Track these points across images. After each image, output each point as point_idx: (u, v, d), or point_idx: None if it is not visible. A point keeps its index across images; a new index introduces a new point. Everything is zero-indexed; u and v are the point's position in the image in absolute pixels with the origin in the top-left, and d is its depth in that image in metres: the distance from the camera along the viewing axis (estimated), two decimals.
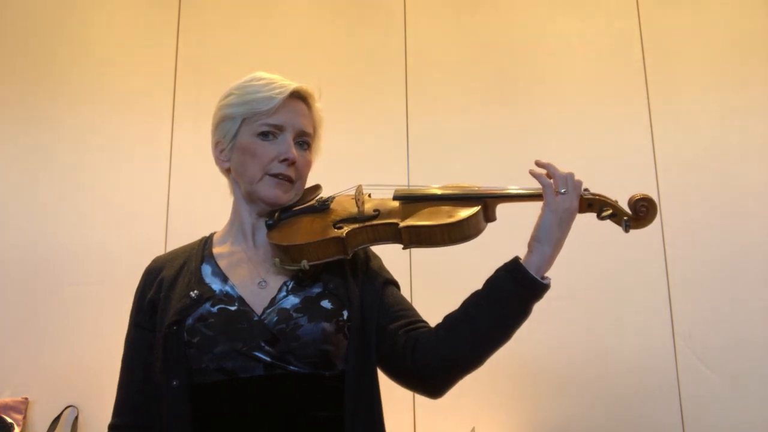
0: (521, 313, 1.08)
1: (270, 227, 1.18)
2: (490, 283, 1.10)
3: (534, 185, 1.13)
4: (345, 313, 1.13)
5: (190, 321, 1.10)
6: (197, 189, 2.44)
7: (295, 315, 1.10)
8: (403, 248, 1.15)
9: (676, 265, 2.34)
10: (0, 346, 2.30)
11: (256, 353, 1.07)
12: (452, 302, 1.14)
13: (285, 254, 1.14)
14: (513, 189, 1.16)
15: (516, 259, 1.09)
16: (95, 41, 2.60)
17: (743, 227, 2.36)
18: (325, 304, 1.13)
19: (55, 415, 2.24)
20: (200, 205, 2.41)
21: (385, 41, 2.62)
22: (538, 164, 1.13)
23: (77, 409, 2.25)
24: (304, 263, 1.12)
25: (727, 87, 2.48)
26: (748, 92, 2.47)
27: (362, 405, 1.11)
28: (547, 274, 1.09)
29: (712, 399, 2.24)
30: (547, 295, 1.08)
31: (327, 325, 1.10)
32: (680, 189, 2.40)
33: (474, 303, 1.11)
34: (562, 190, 1.08)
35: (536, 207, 1.13)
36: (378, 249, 1.24)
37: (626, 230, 1.11)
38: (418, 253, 2.26)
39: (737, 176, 2.40)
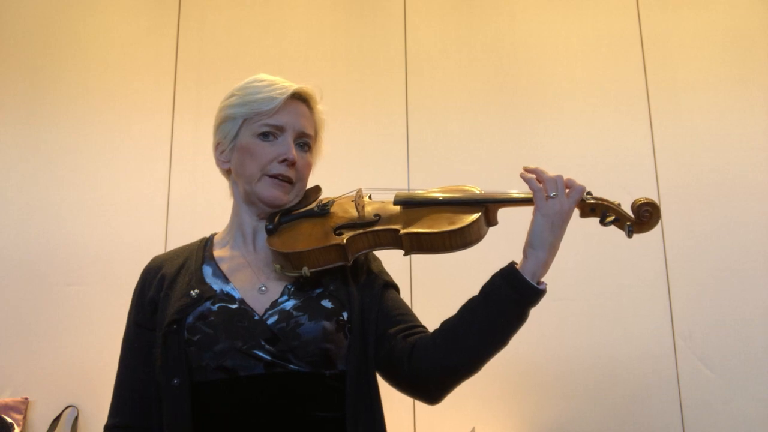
0: (517, 319, 1.06)
1: (270, 232, 1.18)
2: (486, 288, 1.09)
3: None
4: (345, 314, 1.13)
5: (190, 319, 1.10)
6: (197, 189, 2.44)
7: (295, 314, 1.10)
8: (404, 254, 1.13)
9: (676, 265, 2.35)
10: (0, 346, 2.30)
11: (257, 352, 1.07)
12: (452, 306, 1.14)
13: (286, 261, 1.14)
14: (513, 193, 1.14)
15: (512, 264, 1.08)
16: (95, 41, 2.60)
17: (743, 227, 2.36)
18: (326, 303, 1.13)
19: (55, 415, 2.24)
20: (200, 205, 2.41)
21: (385, 41, 2.62)
22: (527, 170, 1.11)
23: (77, 409, 2.25)
24: (305, 270, 1.12)
25: (727, 87, 2.48)
26: (748, 92, 2.48)
27: (363, 405, 1.11)
28: (546, 276, 1.08)
29: (712, 399, 2.24)
30: (547, 296, 1.07)
31: (327, 324, 1.10)
32: (680, 189, 2.40)
33: (470, 309, 1.10)
34: (552, 194, 1.07)
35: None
36: (378, 252, 1.23)
37: (629, 235, 1.09)
38: (418, 256, 2.26)
39: (737, 176, 2.40)
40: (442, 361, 1.09)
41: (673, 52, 2.54)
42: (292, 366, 1.07)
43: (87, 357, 2.28)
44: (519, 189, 1.16)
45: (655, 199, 1.11)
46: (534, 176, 1.09)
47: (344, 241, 1.12)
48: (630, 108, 2.50)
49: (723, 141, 2.44)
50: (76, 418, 2.24)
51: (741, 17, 2.55)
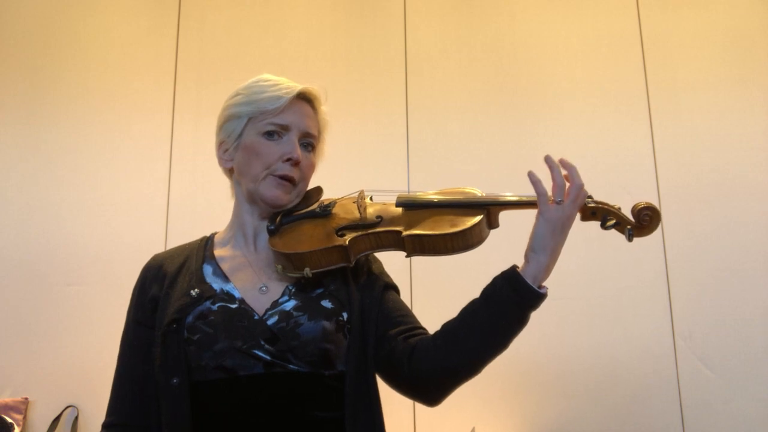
0: (518, 322, 1.06)
1: (272, 233, 1.18)
2: (488, 291, 1.09)
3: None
4: (345, 314, 1.13)
5: (190, 318, 1.10)
6: (197, 189, 2.44)
7: (295, 314, 1.10)
8: (406, 256, 1.14)
9: (676, 265, 2.35)
10: (0, 346, 2.30)
11: (256, 351, 1.07)
12: (453, 307, 1.14)
13: (288, 262, 1.14)
14: (515, 196, 1.14)
15: (513, 268, 1.08)
16: (95, 41, 2.60)
17: (743, 227, 2.36)
18: (326, 303, 1.13)
19: (55, 415, 2.24)
20: (200, 205, 2.41)
21: (385, 41, 2.62)
22: (547, 161, 1.08)
23: (77, 409, 2.25)
24: (307, 271, 1.12)
25: (727, 87, 2.49)
26: (748, 92, 2.48)
27: (362, 405, 1.11)
28: (544, 284, 1.07)
29: (712, 399, 2.24)
30: (548, 295, 1.07)
31: (327, 324, 1.10)
32: (680, 189, 2.40)
33: (471, 311, 1.10)
34: (558, 200, 1.06)
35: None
36: (379, 254, 1.23)
37: (629, 239, 1.09)
38: (419, 258, 2.26)
39: (737, 176, 2.40)
40: (443, 362, 1.09)
41: (673, 52, 2.54)
42: (291, 366, 1.07)
43: (87, 357, 2.28)
44: (519, 190, 1.16)
45: (655, 200, 1.11)
46: (541, 180, 1.08)
47: (346, 243, 1.12)
48: (630, 108, 2.50)
49: (723, 141, 2.44)
50: (76, 418, 2.24)
51: (741, 17, 2.55)
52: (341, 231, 1.15)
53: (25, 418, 2.22)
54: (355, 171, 2.39)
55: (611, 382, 2.27)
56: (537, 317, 1.10)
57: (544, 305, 1.08)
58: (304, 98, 1.21)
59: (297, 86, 1.19)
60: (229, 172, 1.25)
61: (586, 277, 2.33)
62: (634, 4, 2.59)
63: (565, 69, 2.56)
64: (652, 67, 2.53)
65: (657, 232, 2.38)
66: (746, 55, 2.51)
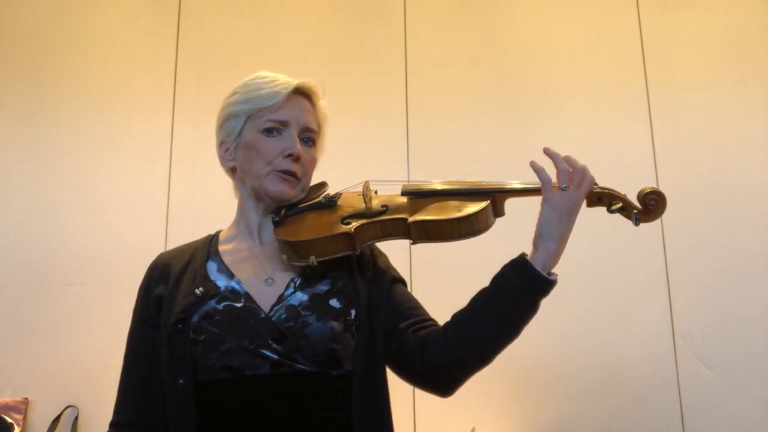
0: (528, 309, 1.06)
1: (276, 224, 1.18)
2: (497, 279, 1.09)
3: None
4: (353, 312, 1.13)
5: (195, 318, 1.09)
6: (197, 189, 2.44)
7: (303, 313, 1.09)
8: (412, 243, 1.14)
9: (676, 265, 2.35)
10: (0, 346, 2.30)
11: (264, 351, 1.06)
12: (453, 298, 1.14)
13: (293, 250, 1.13)
14: (521, 184, 1.14)
15: (522, 255, 1.08)
16: (95, 41, 2.60)
17: (743, 227, 2.36)
18: (334, 302, 1.12)
19: (55, 415, 2.23)
20: (200, 205, 2.41)
21: (385, 41, 2.62)
22: (547, 153, 1.09)
23: (77, 409, 2.25)
24: (312, 259, 1.11)
25: (727, 87, 2.48)
26: (748, 92, 2.48)
27: (369, 405, 1.10)
28: (553, 270, 1.07)
29: (712, 399, 2.24)
30: (547, 296, 1.08)
31: (335, 324, 1.09)
32: (680, 189, 2.40)
33: (481, 300, 1.10)
34: (564, 186, 1.06)
35: (540, 202, 1.11)
36: (381, 245, 1.23)
37: (636, 224, 1.10)
38: (418, 249, 2.26)
39: (737, 176, 2.40)
40: (454, 353, 1.09)
41: (673, 52, 2.54)
42: (298, 365, 1.07)
43: (87, 357, 2.28)
44: (524, 182, 1.15)
45: None
46: (543, 167, 1.08)
47: (352, 230, 1.12)
48: (630, 108, 2.50)
49: (723, 141, 2.44)
50: (76, 418, 2.24)
51: (741, 17, 2.55)
52: (347, 220, 1.15)
53: (25, 418, 2.22)
54: (356, 171, 2.36)
55: (611, 382, 2.27)
56: (538, 318, 1.10)
57: (546, 307, 1.08)
58: (302, 93, 1.21)
59: (294, 81, 1.19)
60: (231, 171, 1.25)
61: (586, 278, 2.33)
62: (634, 4, 2.59)
63: (565, 69, 2.56)
64: (652, 67, 2.53)
65: (657, 232, 2.39)
66: (746, 55, 2.51)
